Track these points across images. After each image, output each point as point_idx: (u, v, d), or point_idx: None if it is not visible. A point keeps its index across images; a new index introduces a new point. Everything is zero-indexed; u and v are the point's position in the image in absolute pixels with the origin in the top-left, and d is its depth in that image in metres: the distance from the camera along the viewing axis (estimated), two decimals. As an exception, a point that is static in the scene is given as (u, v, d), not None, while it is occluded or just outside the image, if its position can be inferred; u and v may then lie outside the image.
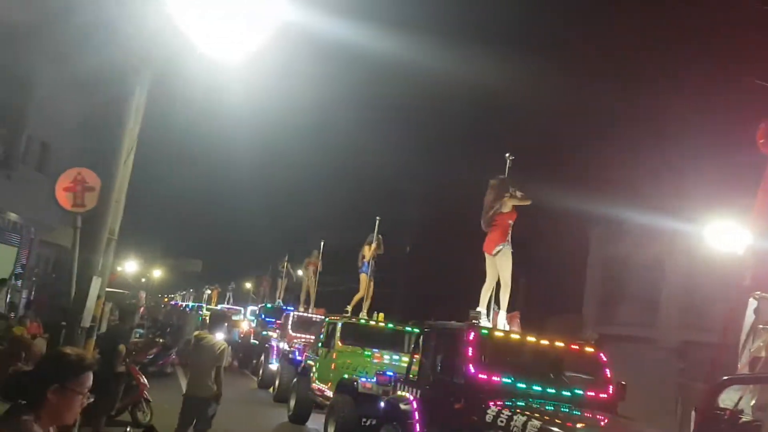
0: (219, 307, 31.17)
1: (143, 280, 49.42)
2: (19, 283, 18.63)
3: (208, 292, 46.31)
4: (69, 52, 14.90)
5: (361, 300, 14.51)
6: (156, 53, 8.04)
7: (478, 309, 8.02)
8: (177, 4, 7.03)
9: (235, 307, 28.66)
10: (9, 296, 17.01)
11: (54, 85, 17.92)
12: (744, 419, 3.28)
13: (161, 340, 17.05)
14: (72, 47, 14.50)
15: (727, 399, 3.30)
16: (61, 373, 2.54)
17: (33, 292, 20.09)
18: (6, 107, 16.41)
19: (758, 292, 3.74)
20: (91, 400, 7.36)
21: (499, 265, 8.11)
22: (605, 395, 7.15)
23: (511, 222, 8.27)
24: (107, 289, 8.60)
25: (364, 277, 14.65)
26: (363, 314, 14.04)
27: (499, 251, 8.13)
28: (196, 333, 8.24)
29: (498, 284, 8.24)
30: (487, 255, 8.28)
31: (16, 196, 17.35)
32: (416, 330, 11.50)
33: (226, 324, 9.03)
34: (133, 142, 8.29)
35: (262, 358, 17.89)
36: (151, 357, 15.16)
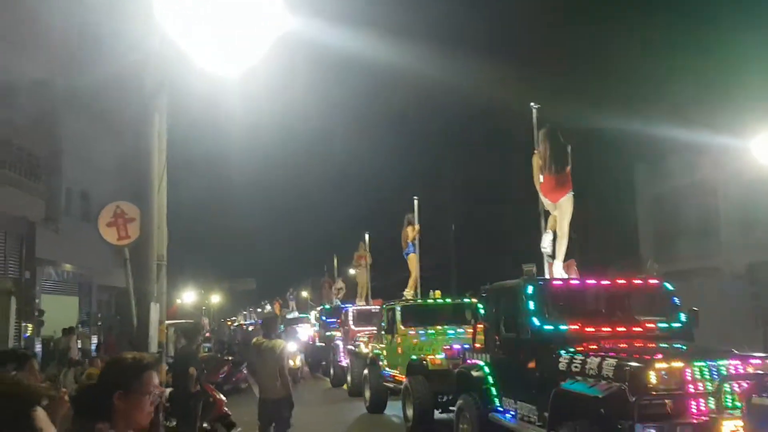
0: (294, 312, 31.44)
1: (203, 308, 50.48)
2: (87, 329, 19.23)
3: (268, 307, 46.96)
4: (91, 99, 15.27)
5: (416, 281, 14.50)
6: (168, 77, 8.16)
7: (545, 240, 7.82)
8: (176, 27, 7.13)
9: (301, 315, 28.70)
10: (80, 343, 17.58)
11: (82, 134, 18.43)
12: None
13: (230, 358, 17.37)
14: (93, 95, 14.86)
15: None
16: (122, 377, 2.58)
17: (100, 336, 20.72)
18: (40, 164, 16.92)
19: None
20: (174, 424, 7.48)
21: (560, 214, 7.88)
22: (678, 324, 6.95)
23: (569, 169, 8.00)
24: (170, 321, 8.81)
25: (413, 257, 14.62)
26: (411, 293, 14.08)
27: (563, 199, 7.90)
28: (255, 339, 8.35)
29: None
30: (548, 201, 8.04)
31: (66, 248, 17.89)
32: (474, 300, 11.43)
33: (281, 325, 9.14)
34: (163, 167, 8.43)
35: (331, 358, 18.07)
36: (223, 376, 15.44)
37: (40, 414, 1.52)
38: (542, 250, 7.89)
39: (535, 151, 8.22)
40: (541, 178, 8.13)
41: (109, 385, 2.56)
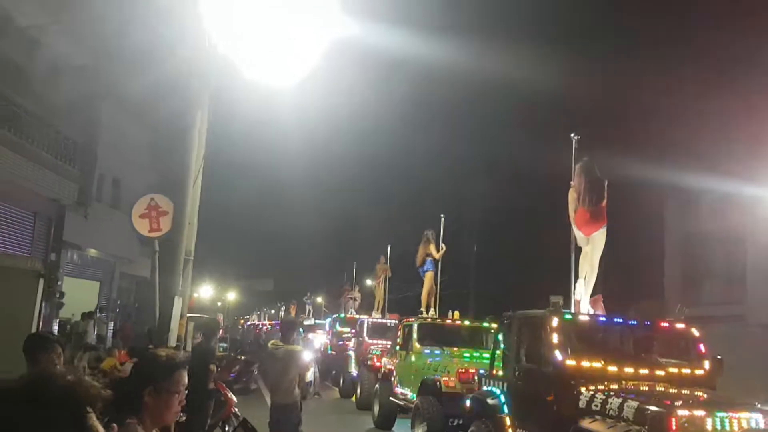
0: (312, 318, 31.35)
1: (219, 303, 50.79)
2: (105, 315, 19.43)
3: (283, 309, 46.95)
4: (130, 86, 15.54)
5: (429, 297, 14.43)
6: (213, 77, 8.30)
7: (576, 284, 7.74)
8: (229, 38, 7.28)
9: (318, 321, 28.58)
10: (96, 329, 17.76)
11: (120, 122, 18.77)
12: None
13: (243, 357, 17.43)
14: (133, 81, 15.12)
15: None
16: (154, 374, 2.60)
17: (117, 323, 20.93)
18: (77, 147, 17.22)
19: None
20: (184, 418, 7.50)
21: (592, 248, 7.79)
22: (701, 371, 6.83)
23: (604, 204, 7.90)
24: (189, 315, 8.87)
25: (430, 276, 14.55)
26: (431, 312, 13.98)
27: (596, 234, 7.81)
28: (271, 342, 8.36)
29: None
30: (581, 234, 7.94)
31: (94, 233, 18.13)
32: (494, 325, 11.33)
33: (299, 330, 9.16)
34: (200, 164, 8.55)
35: (342, 367, 18.03)
36: (234, 374, 15.50)
37: (93, 416, 1.53)
38: (574, 297, 7.77)
39: (572, 184, 8.15)
40: (576, 207, 8.05)
41: (141, 381, 2.58)
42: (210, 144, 8.97)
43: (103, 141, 18.62)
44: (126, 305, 22.72)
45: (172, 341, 7.94)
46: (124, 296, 23.21)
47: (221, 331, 22.05)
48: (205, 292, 40.20)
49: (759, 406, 5.63)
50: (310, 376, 15.35)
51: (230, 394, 10.19)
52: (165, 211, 8.18)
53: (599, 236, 7.76)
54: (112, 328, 19.95)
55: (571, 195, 8.05)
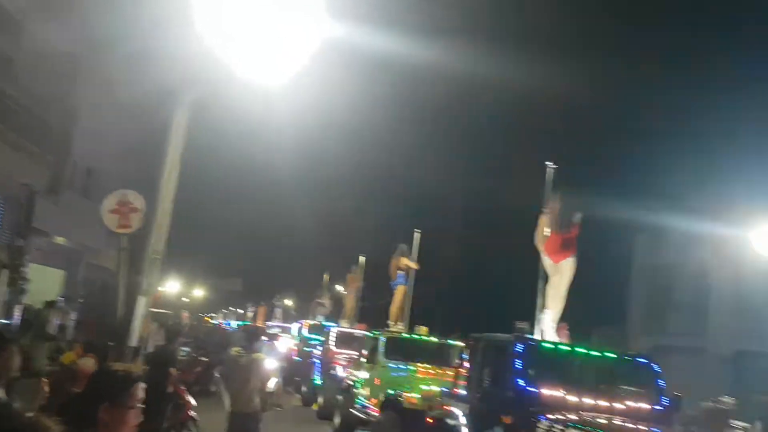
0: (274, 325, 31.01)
1: (185, 299, 50.18)
2: (68, 305, 19.05)
3: (252, 310, 46.46)
4: (113, 78, 15.34)
5: (399, 311, 14.40)
6: (195, 76, 8.20)
7: (543, 314, 7.83)
8: (216, 35, 7.19)
9: (284, 325, 28.27)
10: (59, 319, 17.41)
11: (99, 112, 18.47)
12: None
13: (205, 359, 17.19)
14: (115, 74, 14.93)
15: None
16: (110, 390, 2.54)
17: (80, 314, 20.52)
18: (52, 134, 16.92)
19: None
20: (140, 420, 7.35)
21: (560, 277, 7.88)
22: (660, 407, 6.91)
23: (575, 233, 8.00)
24: (151, 309, 8.73)
25: (401, 290, 14.51)
26: (399, 326, 13.93)
27: (565, 262, 7.90)
28: (234, 350, 8.27)
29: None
30: (549, 261, 8.02)
31: (63, 221, 17.80)
32: (460, 344, 11.36)
33: (261, 339, 9.08)
34: (176, 163, 8.44)
35: (306, 375, 17.89)
36: (195, 376, 15.29)
37: None
38: (539, 326, 7.84)
39: (544, 210, 8.23)
40: (547, 233, 8.13)
41: (97, 397, 2.52)
42: (190, 142, 8.87)
43: (81, 129, 18.31)
44: (90, 296, 22.31)
45: (133, 340, 7.81)
46: (89, 287, 22.80)
47: (185, 327, 21.81)
48: (172, 287, 39.66)
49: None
50: (272, 385, 15.11)
51: (188, 398, 10.04)
52: (136, 207, 8.06)
53: (568, 265, 7.84)
54: (75, 319, 19.56)
55: (542, 221, 8.13)
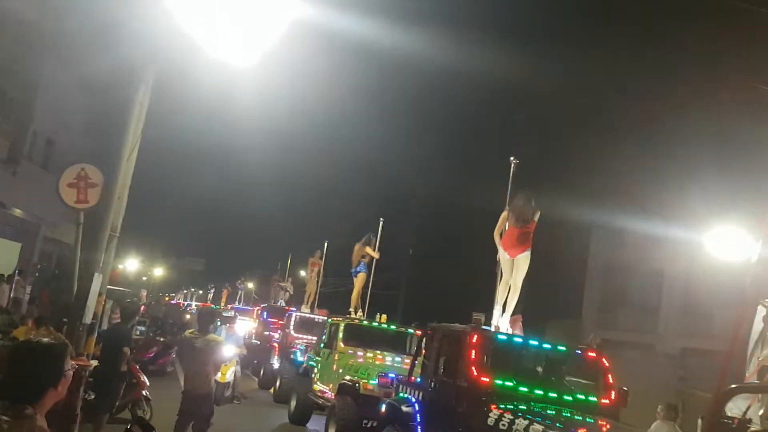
0: (230, 307, 30.74)
1: (144, 278, 49.48)
2: (22, 279, 18.64)
3: (213, 291, 46.06)
4: (75, 50, 14.97)
5: (359, 299, 14.46)
6: (160, 53, 8.06)
7: (496, 308, 7.98)
8: (185, 13, 7.07)
9: (246, 308, 28.06)
10: (12, 292, 17.03)
11: (60, 83, 18.00)
12: (752, 428, 3.25)
13: (162, 339, 17.05)
14: (78, 46, 14.57)
15: (734, 408, 3.27)
16: (54, 369, 2.55)
17: (35, 288, 20.10)
18: (12, 104, 16.46)
19: (767, 300, 3.70)
20: (92, 397, 7.27)
21: (516, 270, 8.03)
22: (607, 400, 7.11)
23: (532, 228, 8.14)
24: (108, 287, 8.61)
25: (362, 277, 14.55)
26: (359, 314, 14.00)
27: (521, 256, 8.05)
28: (189, 331, 8.18)
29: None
30: (506, 256, 8.16)
31: (20, 193, 17.38)
32: (418, 332, 11.48)
33: (217, 322, 9.01)
34: (137, 139, 8.30)
35: (264, 358, 17.86)
36: (151, 355, 15.16)
37: None
38: (493, 325, 7.98)
39: (508, 207, 8.36)
40: (506, 228, 8.29)
41: (44, 378, 2.51)
42: (154, 119, 8.74)
43: (42, 99, 17.84)
44: (46, 270, 21.84)
45: (88, 318, 7.70)
46: (46, 260, 22.32)
47: (143, 308, 21.52)
48: (131, 265, 39.05)
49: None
50: (229, 376, 13.29)
51: (143, 377, 9.97)
52: (95, 183, 7.90)
53: (523, 259, 8.00)
54: (29, 293, 19.16)
55: (504, 216, 8.26)
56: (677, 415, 8.36)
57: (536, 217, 8.03)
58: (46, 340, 2.61)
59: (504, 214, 8.28)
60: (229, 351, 12.41)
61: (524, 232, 7.96)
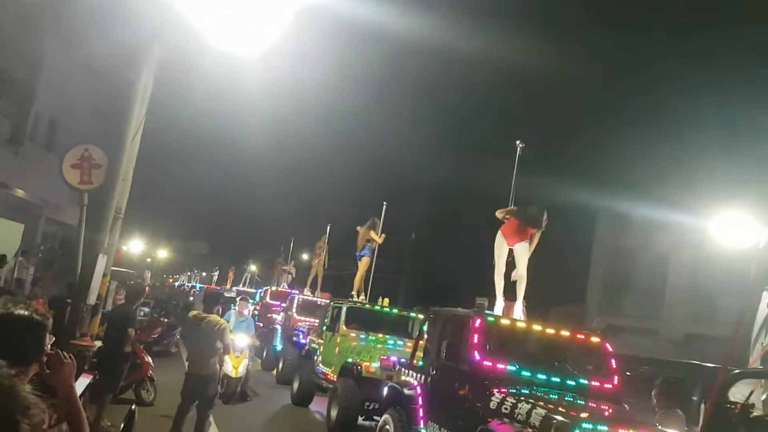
0: (233, 289, 30.86)
1: (148, 260, 49.65)
2: (26, 260, 18.70)
3: (217, 273, 46.17)
4: (79, 30, 14.88)
5: (362, 282, 14.46)
6: (164, 35, 8.02)
7: (497, 295, 8.03)
8: (189, 5, 7.04)
9: (250, 290, 28.23)
10: (16, 272, 17.09)
11: (63, 63, 17.91)
12: (755, 413, 3.24)
13: (166, 320, 17.12)
14: (82, 26, 14.47)
15: (737, 393, 3.26)
16: (42, 340, 2.49)
17: (36, 269, 20.17)
18: (15, 83, 16.40)
19: (772, 285, 3.70)
20: (97, 378, 7.24)
21: (516, 258, 8.11)
22: (610, 386, 7.11)
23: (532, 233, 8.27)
24: (112, 268, 8.62)
25: (365, 261, 14.56)
26: (361, 297, 14.00)
27: (519, 246, 8.14)
28: (194, 312, 8.21)
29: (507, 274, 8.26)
30: (503, 240, 8.22)
31: (23, 173, 17.38)
32: (421, 316, 11.51)
33: (231, 306, 9.00)
34: (141, 121, 8.27)
35: (267, 340, 17.93)
36: (155, 336, 15.24)
37: (25, 425, 1.48)
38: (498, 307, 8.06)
39: (516, 208, 8.44)
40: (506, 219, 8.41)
41: (35, 349, 2.45)
42: (158, 102, 8.70)
43: (44, 80, 17.76)
44: (49, 251, 21.92)
45: (92, 298, 7.72)
46: (49, 241, 22.38)
47: (147, 289, 21.60)
48: (135, 246, 39.15)
49: (659, 427, 5.89)
50: (242, 370, 11.58)
51: (147, 358, 10.03)
52: (98, 164, 7.90)
53: (521, 248, 8.08)
54: (32, 273, 19.23)
55: (511, 210, 8.36)
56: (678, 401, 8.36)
57: (540, 229, 8.13)
58: (24, 312, 2.48)
59: (512, 209, 8.36)
60: (241, 341, 11.68)
61: (524, 228, 8.08)
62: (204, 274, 55.90)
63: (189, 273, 61.75)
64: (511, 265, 8.29)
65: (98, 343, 7.96)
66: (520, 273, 8.02)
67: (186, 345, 9.02)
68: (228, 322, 9.89)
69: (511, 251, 8.25)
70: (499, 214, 8.47)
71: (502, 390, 6.36)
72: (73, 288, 7.91)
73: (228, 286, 33.24)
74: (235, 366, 11.35)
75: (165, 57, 8.16)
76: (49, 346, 2.54)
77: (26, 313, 2.47)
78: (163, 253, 52.95)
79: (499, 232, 8.29)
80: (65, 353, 2.60)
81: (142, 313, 15.16)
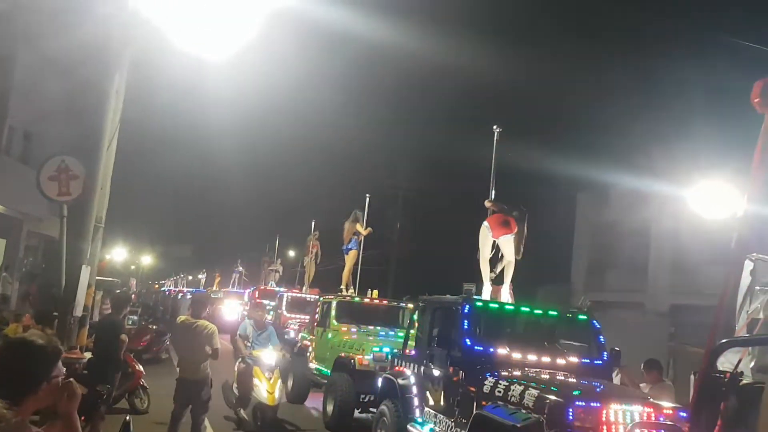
0: (221, 291, 30.66)
1: (132, 267, 49.27)
2: (9, 275, 18.48)
3: (204, 275, 45.89)
4: (47, 39, 14.64)
5: (350, 276, 14.50)
6: (135, 42, 7.95)
7: (484, 281, 8.15)
8: (153, 6, 6.99)
9: (239, 291, 28.08)
10: (0, 288, 16.89)
11: (34, 73, 17.61)
12: (744, 381, 3.30)
13: (154, 327, 17.02)
14: (51, 34, 14.24)
15: (725, 362, 3.33)
16: (48, 368, 2.47)
17: (21, 284, 19.93)
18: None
19: (754, 254, 3.75)
20: (89, 391, 7.18)
21: (503, 247, 8.25)
22: (600, 362, 7.21)
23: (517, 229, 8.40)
24: (97, 278, 8.55)
25: (353, 254, 14.59)
26: (350, 291, 14.03)
27: (504, 238, 8.33)
28: (182, 318, 8.16)
29: (493, 259, 8.36)
30: (490, 232, 8.34)
31: (1, 188, 17.12)
32: (411, 306, 11.55)
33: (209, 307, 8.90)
34: (115, 127, 8.21)
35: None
36: (145, 344, 15.15)
37: None
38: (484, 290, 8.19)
39: (503, 209, 8.56)
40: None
41: (37, 374, 2.44)
42: (134, 110, 8.65)
43: (16, 92, 17.48)
44: (33, 265, 21.66)
45: (78, 311, 7.67)
46: (32, 255, 22.12)
47: (133, 297, 21.46)
48: (118, 255, 38.83)
49: (651, 399, 5.99)
50: (278, 396, 9.32)
51: (138, 366, 9.98)
52: (76, 174, 7.81)
53: (506, 241, 8.22)
54: (18, 288, 18.99)
55: (498, 207, 8.49)
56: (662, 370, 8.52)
57: (517, 228, 8.25)
58: (39, 338, 2.49)
59: (501, 206, 8.52)
60: (269, 358, 9.35)
61: (509, 221, 8.22)
62: (190, 278, 55.61)
63: (175, 277, 61.38)
64: (496, 254, 8.43)
65: (88, 355, 7.91)
66: (508, 260, 8.14)
67: (176, 351, 8.95)
68: (245, 334, 9.74)
69: (495, 242, 8.38)
70: (487, 203, 8.62)
71: (495, 373, 6.42)
72: (58, 300, 7.85)
73: (215, 288, 33.07)
74: (270, 390, 9.08)
75: (137, 61, 8.10)
76: (58, 380, 2.51)
77: (43, 342, 2.48)
78: (147, 260, 52.59)
79: (486, 222, 8.40)
80: (76, 384, 2.57)
81: (130, 322, 15.07)
